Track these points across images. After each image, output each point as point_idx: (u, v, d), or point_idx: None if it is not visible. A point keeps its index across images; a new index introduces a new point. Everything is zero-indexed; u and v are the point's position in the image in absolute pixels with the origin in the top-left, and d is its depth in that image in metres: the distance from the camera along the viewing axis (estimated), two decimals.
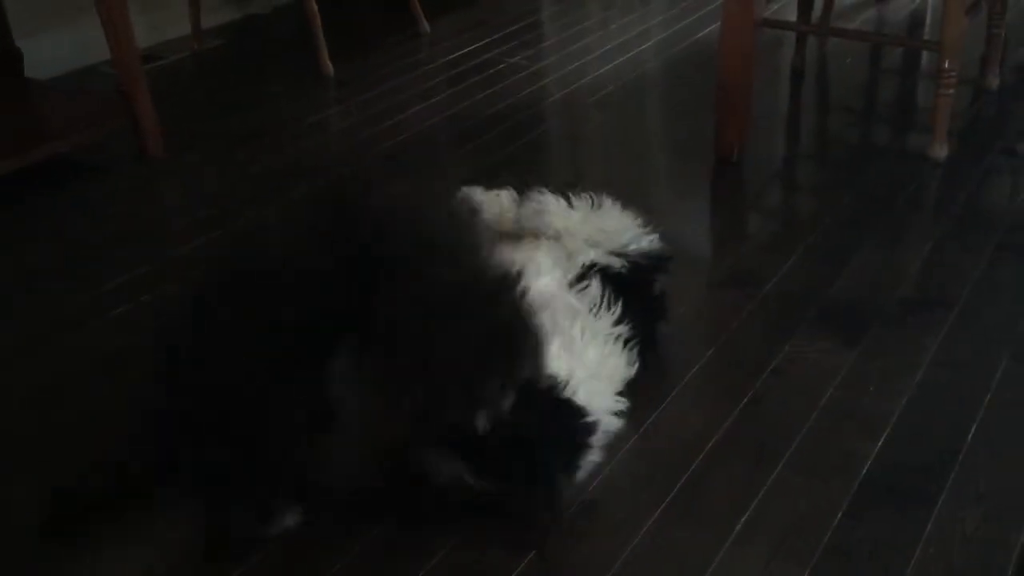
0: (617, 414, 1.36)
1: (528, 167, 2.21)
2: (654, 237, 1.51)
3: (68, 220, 2.08)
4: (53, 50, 2.70)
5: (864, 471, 1.32)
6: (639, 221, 1.51)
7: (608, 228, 1.48)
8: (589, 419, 1.28)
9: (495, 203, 1.53)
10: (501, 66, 2.76)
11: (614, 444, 1.38)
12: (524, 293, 1.12)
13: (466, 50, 2.88)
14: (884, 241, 1.86)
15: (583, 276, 1.42)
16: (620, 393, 1.39)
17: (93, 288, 1.82)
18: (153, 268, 1.88)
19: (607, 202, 1.51)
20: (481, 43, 2.93)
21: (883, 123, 2.42)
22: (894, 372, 1.50)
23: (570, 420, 1.26)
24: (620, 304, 1.41)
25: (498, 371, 1.10)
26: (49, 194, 2.17)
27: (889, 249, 1.83)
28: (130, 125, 2.27)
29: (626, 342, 1.41)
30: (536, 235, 1.48)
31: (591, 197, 1.51)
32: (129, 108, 2.25)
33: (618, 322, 1.40)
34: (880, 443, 1.37)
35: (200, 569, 1.23)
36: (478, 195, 1.52)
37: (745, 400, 1.47)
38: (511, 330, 1.10)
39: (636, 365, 1.42)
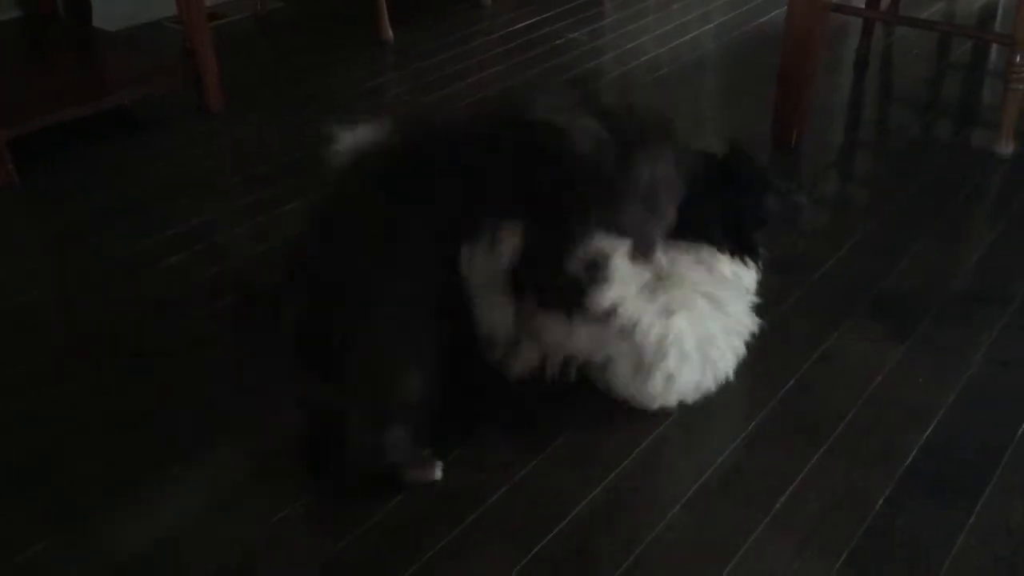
0: None
1: None
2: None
3: (129, 169, 2.12)
4: (121, 2, 2.74)
5: (908, 461, 1.31)
6: None
7: None
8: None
9: None
10: (560, 41, 2.75)
11: (656, 416, 1.38)
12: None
13: (526, 23, 2.88)
14: (942, 235, 1.82)
15: None
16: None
17: (149, 235, 1.86)
18: (206, 220, 1.92)
19: None
20: (541, 17, 2.92)
21: (947, 117, 2.37)
22: (945, 366, 1.48)
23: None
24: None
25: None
26: (112, 143, 2.21)
27: (947, 243, 1.80)
28: (193, 80, 2.31)
29: None
30: None
31: None
32: (193, 64, 2.29)
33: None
34: (926, 435, 1.35)
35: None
36: None
37: (791, 383, 1.46)
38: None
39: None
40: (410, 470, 1.29)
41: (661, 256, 1.31)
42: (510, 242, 1.22)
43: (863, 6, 2.46)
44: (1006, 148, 2.06)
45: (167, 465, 1.33)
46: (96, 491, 1.30)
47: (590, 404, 1.42)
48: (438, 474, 1.30)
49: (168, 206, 1.97)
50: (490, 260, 1.23)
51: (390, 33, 2.76)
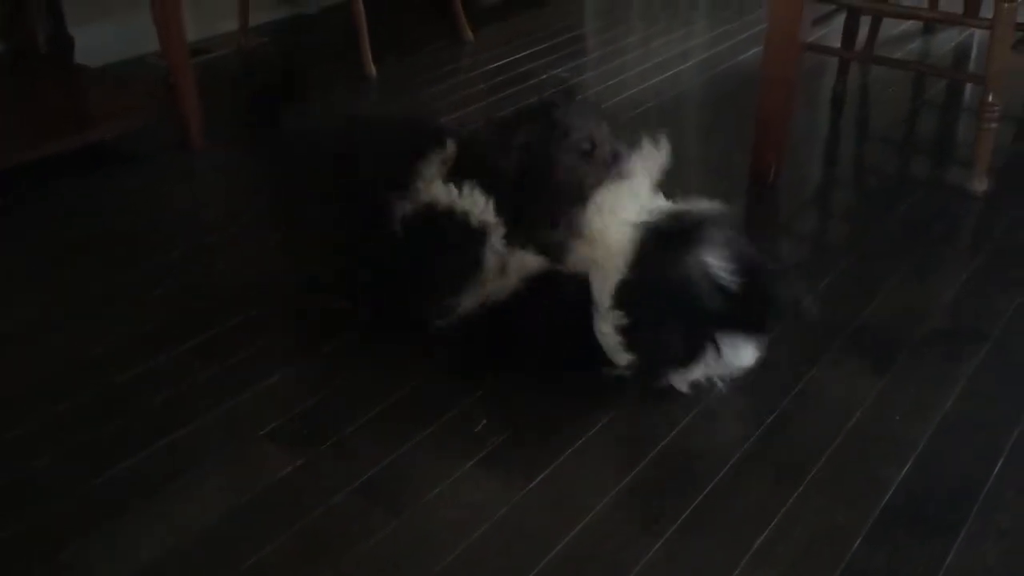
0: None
1: None
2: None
3: (111, 203, 2.12)
4: (104, 38, 2.75)
5: (887, 498, 1.31)
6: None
7: None
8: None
9: None
10: (542, 77, 2.78)
11: (634, 454, 1.38)
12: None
13: (508, 59, 2.91)
14: (918, 271, 1.84)
15: None
16: None
17: (130, 269, 1.86)
18: (187, 254, 1.91)
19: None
20: (523, 54, 2.95)
21: (922, 154, 2.41)
22: (922, 401, 1.49)
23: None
24: None
25: None
26: (92, 177, 2.21)
27: (923, 279, 1.82)
28: (175, 115, 2.31)
29: None
30: None
31: None
32: (175, 99, 2.29)
33: None
34: (904, 471, 1.36)
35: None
36: None
37: (771, 419, 1.46)
38: None
39: None
40: None
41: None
42: None
43: (839, 45, 2.50)
44: (980, 185, 2.10)
45: (142, 499, 1.32)
46: (73, 523, 1.28)
47: (562, 442, 1.42)
48: None
49: (150, 240, 1.97)
50: None
51: (373, 69, 2.78)
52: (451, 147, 1.58)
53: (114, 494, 1.33)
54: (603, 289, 1.44)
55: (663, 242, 1.44)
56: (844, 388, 1.52)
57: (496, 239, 1.51)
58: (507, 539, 1.26)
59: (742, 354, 1.49)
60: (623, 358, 1.45)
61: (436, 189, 1.52)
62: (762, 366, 1.56)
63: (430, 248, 1.52)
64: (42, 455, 1.40)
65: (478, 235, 1.50)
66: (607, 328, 1.43)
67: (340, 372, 1.55)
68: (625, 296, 1.42)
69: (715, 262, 1.43)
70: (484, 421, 1.46)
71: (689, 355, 1.46)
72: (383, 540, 1.26)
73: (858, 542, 1.24)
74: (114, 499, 1.32)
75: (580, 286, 1.46)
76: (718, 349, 1.46)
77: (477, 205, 1.50)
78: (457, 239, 1.50)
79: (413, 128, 1.69)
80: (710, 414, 1.47)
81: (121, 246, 1.95)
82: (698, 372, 1.49)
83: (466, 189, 1.51)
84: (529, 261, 1.52)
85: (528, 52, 2.96)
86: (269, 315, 1.71)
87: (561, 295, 1.49)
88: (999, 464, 1.37)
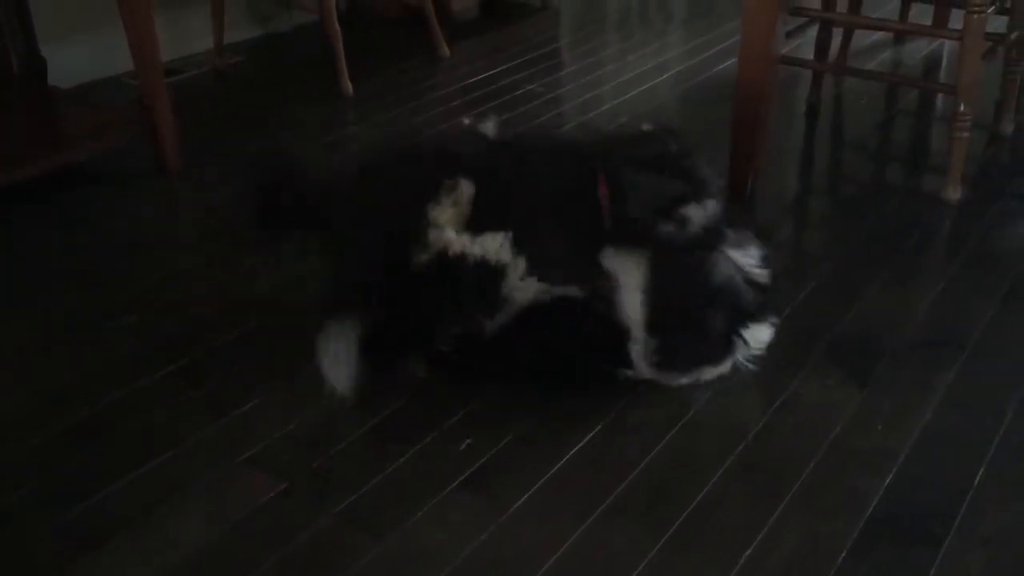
0: None
1: None
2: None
3: (85, 227, 2.10)
4: (77, 59, 2.73)
5: (870, 510, 1.32)
6: None
7: None
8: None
9: None
10: (518, 92, 2.78)
11: (618, 471, 1.38)
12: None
13: (484, 75, 2.91)
14: (895, 280, 1.86)
15: None
16: None
17: (105, 294, 1.84)
18: (162, 277, 1.90)
19: None
20: (499, 69, 2.96)
21: (897, 163, 2.43)
22: (902, 411, 1.50)
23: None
24: None
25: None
26: (67, 201, 2.19)
27: (900, 288, 1.84)
28: (149, 136, 2.29)
29: None
30: None
31: None
32: (149, 120, 2.28)
33: None
34: (886, 482, 1.36)
35: None
36: None
37: (752, 434, 1.46)
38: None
39: None
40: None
41: None
42: None
43: (812, 57, 2.53)
44: (954, 194, 2.12)
45: (124, 528, 1.30)
46: (52, 556, 1.26)
47: (544, 461, 1.41)
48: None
49: (124, 264, 1.95)
50: None
51: (349, 86, 2.78)
52: (465, 187, 1.51)
53: (95, 524, 1.31)
54: (631, 307, 1.47)
55: (685, 250, 1.48)
56: (824, 400, 1.53)
57: (514, 277, 1.49)
58: (492, 561, 1.25)
59: (763, 333, 1.58)
60: (654, 372, 1.52)
61: (448, 236, 1.48)
62: (743, 377, 1.57)
63: (444, 294, 1.50)
64: (19, 486, 1.38)
65: (495, 276, 1.48)
66: (640, 353, 1.49)
67: (321, 395, 1.54)
68: (659, 319, 1.47)
69: (741, 256, 1.52)
70: (468, 441, 1.45)
71: (725, 353, 1.54)
72: (368, 564, 1.25)
73: (843, 555, 1.24)
74: (95, 529, 1.31)
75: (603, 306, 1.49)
76: (745, 338, 1.54)
77: (492, 247, 1.48)
78: (472, 284, 1.48)
79: (429, 162, 1.60)
80: (692, 428, 1.48)
81: (96, 270, 1.93)
82: (729, 363, 1.55)
83: (490, 237, 1.47)
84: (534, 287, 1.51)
85: (504, 67, 2.97)
86: (248, 338, 1.70)
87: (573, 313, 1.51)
88: (980, 473, 1.38)
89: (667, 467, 1.40)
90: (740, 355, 1.57)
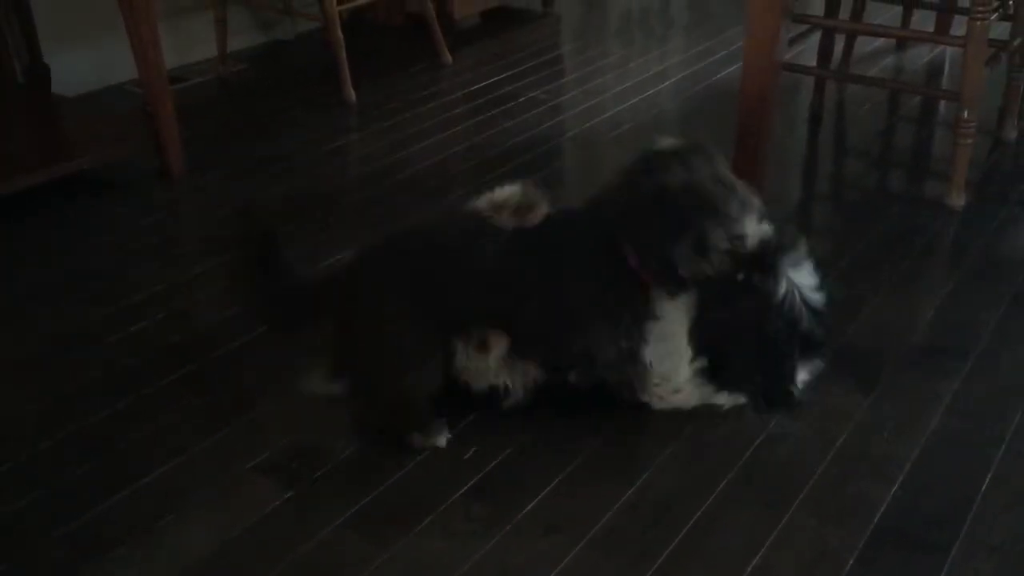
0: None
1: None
2: None
3: (89, 235, 2.10)
4: (81, 67, 2.74)
5: (877, 518, 1.31)
6: None
7: None
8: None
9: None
10: (521, 99, 2.79)
11: (624, 481, 1.38)
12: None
13: (486, 82, 2.92)
14: (899, 287, 1.86)
15: None
16: None
17: (109, 302, 1.84)
18: (166, 286, 1.89)
19: None
20: (501, 76, 2.96)
21: (900, 170, 2.43)
22: (908, 419, 1.50)
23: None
24: None
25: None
26: (71, 209, 2.19)
27: (905, 295, 1.83)
28: (153, 144, 2.30)
29: None
30: None
31: None
32: (153, 127, 2.28)
33: None
34: (893, 490, 1.36)
35: None
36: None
37: (758, 441, 1.46)
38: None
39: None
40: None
41: None
42: None
43: (815, 63, 2.53)
44: (958, 200, 2.12)
45: (131, 536, 1.30)
46: (58, 564, 1.26)
47: (550, 470, 1.41)
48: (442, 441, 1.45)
49: (128, 272, 1.95)
50: None
51: (352, 93, 2.78)
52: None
53: (98, 533, 1.31)
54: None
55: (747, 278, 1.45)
56: (831, 407, 1.53)
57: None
58: (497, 571, 1.25)
59: (817, 363, 1.56)
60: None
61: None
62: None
63: None
64: (22, 495, 1.38)
65: None
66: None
67: (325, 402, 1.54)
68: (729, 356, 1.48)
69: (802, 279, 1.49)
70: (474, 448, 1.45)
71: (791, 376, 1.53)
72: (373, 573, 1.24)
73: (850, 564, 1.24)
74: (98, 538, 1.30)
75: None
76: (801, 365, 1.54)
77: None
78: None
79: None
80: (697, 439, 1.47)
81: (100, 278, 1.93)
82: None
83: None
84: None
85: (506, 74, 2.97)
86: (251, 346, 1.70)
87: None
88: (987, 481, 1.37)
89: (672, 477, 1.40)
90: (798, 380, 1.53)
